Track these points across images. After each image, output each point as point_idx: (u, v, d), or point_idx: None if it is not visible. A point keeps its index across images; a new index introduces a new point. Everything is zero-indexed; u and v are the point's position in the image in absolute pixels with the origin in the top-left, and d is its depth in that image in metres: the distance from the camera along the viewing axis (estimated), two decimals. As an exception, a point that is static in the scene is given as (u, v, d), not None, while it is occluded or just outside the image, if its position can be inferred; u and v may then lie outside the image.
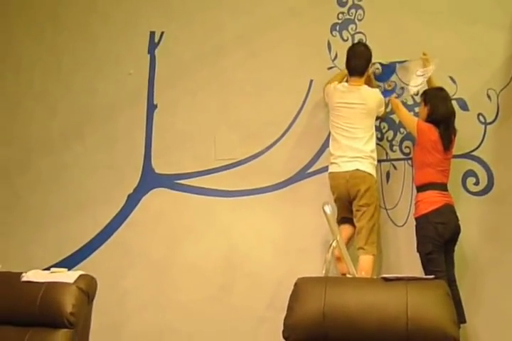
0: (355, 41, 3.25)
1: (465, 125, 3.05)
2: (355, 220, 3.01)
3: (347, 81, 3.11)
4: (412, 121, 2.97)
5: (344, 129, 3.00)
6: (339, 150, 3.00)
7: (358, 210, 2.98)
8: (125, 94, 3.78)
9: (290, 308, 1.98)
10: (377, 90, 3.07)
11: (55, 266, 3.37)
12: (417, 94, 3.06)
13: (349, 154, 2.96)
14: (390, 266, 3.13)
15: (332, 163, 3.04)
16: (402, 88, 3.10)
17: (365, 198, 2.95)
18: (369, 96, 3.00)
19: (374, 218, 2.99)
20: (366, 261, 2.95)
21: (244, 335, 3.31)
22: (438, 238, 2.79)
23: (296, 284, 2.03)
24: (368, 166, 2.96)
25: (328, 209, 2.89)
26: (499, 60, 3.03)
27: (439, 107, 2.88)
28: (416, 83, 3.00)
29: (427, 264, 2.81)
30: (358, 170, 2.94)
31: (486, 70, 3.06)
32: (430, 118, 2.90)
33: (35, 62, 3.97)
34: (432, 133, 2.85)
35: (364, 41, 3.24)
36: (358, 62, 3.03)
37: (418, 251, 2.85)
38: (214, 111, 3.57)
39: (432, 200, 2.83)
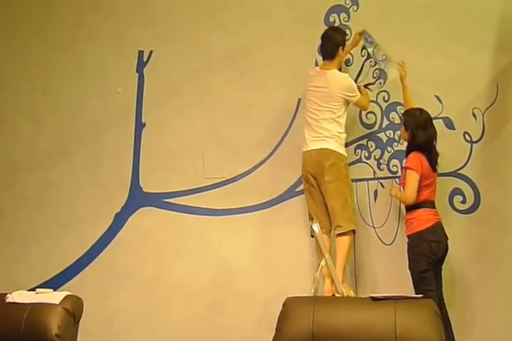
0: (342, 60, 3.30)
1: (451, 144, 3.08)
2: (326, 201, 3.01)
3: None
4: (415, 185, 2.88)
5: (312, 112, 3.10)
6: (309, 131, 3.10)
7: (326, 189, 3.00)
8: (113, 112, 3.78)
9: (279, 328, 1.96)
10: (345, 75, 3.12)
11: (41, 286, 3.33)
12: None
13: (316, 133, 3.06)
14: (378, 284, 3.13)
15: (304, 143, 3.12)
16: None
17: (330, 174, 3.00)
18: (333, 81, 3.06)
19: (344, 194, 3.02)
20: (343, 242, 2.96)
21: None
22: (432, 256, 2.80)
23: (284, 304, 2.01)
24: (334, 144, 3.04)
25: (316, 227, 2.89)
26: (484, 79, 3.08)
27: (419, 136, 2.92)
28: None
29: (419, 283, 2.80)
30: (322, 148, 3.03)
31: (472, 90, 3.10)
32: (412, 146, 2.94)
33: (22, 78, 3.98)
34: (424, 162, 2.88)
35: (351, 62, 3.28)
36: (326, 46, 3.13)
37: (410, 269, 2.85)
38: (202, 130, 3.58)
39: (426, 218, 2.85)
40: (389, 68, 3.18)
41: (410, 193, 2.85)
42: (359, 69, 3.30)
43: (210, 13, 3.63)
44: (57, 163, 3.82)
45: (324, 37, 3.17)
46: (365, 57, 3.28)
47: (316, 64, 3.35)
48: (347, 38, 3.23)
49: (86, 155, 3.79)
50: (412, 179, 2.85)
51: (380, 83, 3.24)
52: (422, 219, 2.85)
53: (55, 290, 2.48)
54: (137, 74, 3.74)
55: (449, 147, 3.09)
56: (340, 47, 3.13)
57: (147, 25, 3.75)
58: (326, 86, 3.07)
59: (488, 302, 2.95)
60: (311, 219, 3.06)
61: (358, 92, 3.10)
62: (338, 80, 3.08)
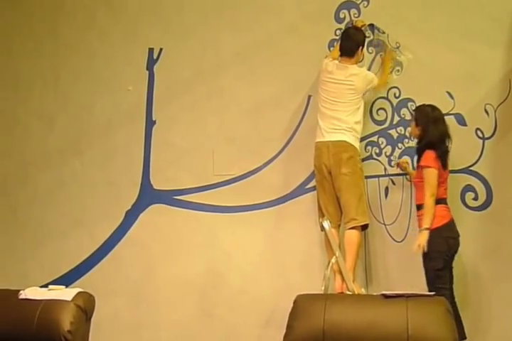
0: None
1: (463, 140, 3.06)
2: (340, 194, 3.00)
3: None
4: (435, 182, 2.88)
5: (329, 102, 3.10)
6: (325, 122, 3.09)
7: (341, 181, 2.98)
8: (123, 110, 3.79)
9: (290, 326, 1.96)
10: (364, 69, 3.16)
11: (53, 283, 3.34)
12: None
13: (333, 125, 3.06)
14: (389, 281, 3.11)
15: (318, 133, 3.11)
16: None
17: (347, 166, 2.99)
18: (356, 76, 3.08)
19: (360, 187, 3.02)
20: (353, 237, 2.94)
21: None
22: (448, 253, 2.79)
23: (295, 301, 2.02)
24: (351, 138, 3.05)
25: (326, 224, 2.88)
26: (497, 75, 3.05)
27: (430, 131, 2.89)
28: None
29: (435, 281, 2.76)
30: (340, 140, 3.04)
31: (484, 86, 3.08)
32: (424, 142, 2.91)
33: (34, 77, 3.99)
34: (437, 162, 2.85)
35: (361, 60, 3.27)
36: (347, 43, 3.15)
37: (426, 266, 2.81)
38: (212, 127, 3.58)
39: (442, 214, 2.84)
40: (403, 56, 3.19)
41: (434, 190, 2.81)
42: (369, 63, 3.29)
43: (220, 11, 3.62)
44: (68, 161, 3.84)
45: (345, 34, 3.19)
46: (374, 51, 3.26)
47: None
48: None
49: (97, 153, 3.80)
50: (433, 176, 2.82)
51: (398, 70, 3.22)
52: (439, 216, 2.82)
53: (66, 286, 2.49)
54: (147, 71, 3.74)
55: (460, 143, 3.05)
56: (360, 47, 3.16)
57: (157, 23, 3.75)
58: (351, 81, 3.07)
59: (503, 299, 2.92)
60: (321, 216, 3.05)
61: (376, 79, 3.16)
62: (360, 75, 3.11)
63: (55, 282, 3.48)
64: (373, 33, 3.26)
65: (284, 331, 1.97)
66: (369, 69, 3.26)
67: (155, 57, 3.74)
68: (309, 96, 3.37)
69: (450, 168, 2.95)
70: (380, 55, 3.27)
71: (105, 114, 3.82)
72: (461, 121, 3.10)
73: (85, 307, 2.32)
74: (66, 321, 2.23)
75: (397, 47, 3.21)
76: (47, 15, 4.01)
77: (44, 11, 4.01)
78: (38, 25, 4.02)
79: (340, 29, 3.35)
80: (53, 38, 3.97)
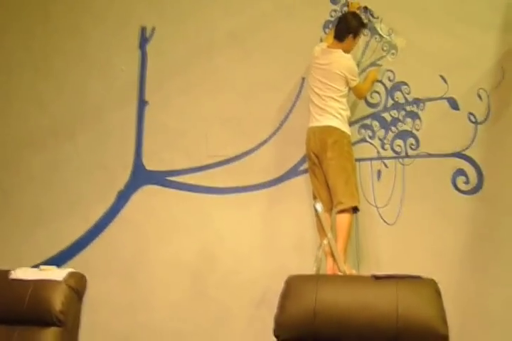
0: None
1: (455, 124, 3.07)
2: (328, 179, 3.01)
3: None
4: None
5: (316, 88, 3.10)
6: (313, 107, 3.11)
7: (328, 165, 3.00)
8: (116, 91, 3.75)
9: (281, 306, 1.98)
10: (349, 56, 3.12)
11: (44, 263, 3.34)
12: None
13: (320, 110, 3.07)
14: (380, 263, 3.14)
15: (309, 118, 3.13)
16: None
17: (333, 150, 2.99)
18: (336, 59, 3.07)
19: (347, 171, 3.01)
20: (343, 220, 2.94)
21: (234, 334, 3.30)
22: None
23: (286, 282, 2.03)
24: (337, 122, 3.04)
25: (319, 207, 2.90)
26: (490, 60, 3.04)
27: None
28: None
29: None
30: (325, 125, 3.04)
31: (477, 70, 3.07)
32: None
33: (25, 60, 3.93)
34: None
35: (352, 48, 3.24)
36: (339, 26, 3.14)
37: None
38: (206, 109, 3.55)
39: None
40: (397, 40, 3.18)
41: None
42: (363, 47, 3.27)
43: (214, -9, 3.58)
44: (62, 144, 3.80)
45: (341, 18, 3.17)
46: (369, 35, 3.24)
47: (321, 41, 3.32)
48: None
49: (90, 135, 3.76)
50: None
51: (393, 53, 3.21)
52: None
53: (58, 267, 2.49)
54: (139, 51, 3.70)
55: (453, 128, 3.07)
56: (351, 35, 3.11)
57: (151, 2, 3.70)
58: (329, 63, 3.07)
59: (494, 280, 2.94)
60: (314, 197, 3.07)
61: (357, 78, 3.10)
62: (341, 59, 3.08)
63: (47, 262, 3.49)
64: (366, 16, 3.23)
65: (275, 311, 1.99)
66: (363, 52, 3.24)
67: (147, 36, 3.69)
68: (303, 79, 3.35)
69: (442, 151, 2.97)
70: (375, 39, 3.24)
71: (98, 96, 3.78)
72: (454, 105, 3.10)
73: (77, 287, 2.32)
74: (57, 301, 2.23)
75: (389, 35, 3.19)
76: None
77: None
78: (28, 7, 3.95)
79: (335, 10, 3.32)
80: (44, 19, 3.91)
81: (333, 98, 3.05)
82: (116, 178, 3.66)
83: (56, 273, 2.36)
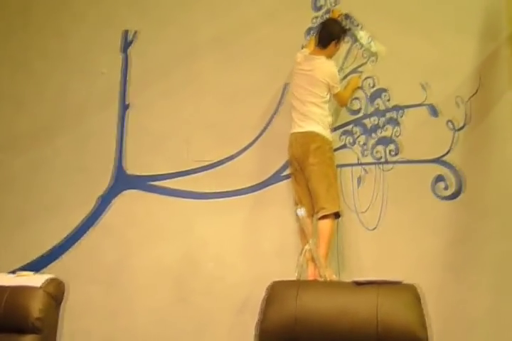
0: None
1: (435, 131, 3.11)
2: (309, 184, 3.02)
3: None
4: None
5: (299, 93, 3.12)
6: (295, 113, 3.12)
7: (310, 171, 3.01)
8: (97, 93, 3.72)
9: (263, 312, 1.98)
10: (332, 63, 3.15)
11: (22, 269, 3.28)
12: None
13: (302, 116, 3.08)
14: (361, 269, 3.16)
15: (291, 124, 3.14)
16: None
17: (315, 156, 3.01)
18: (319, 65, 3.10)
19: (328, 177, 3.03)
20: (325, 226, 2.96)
21: (216, 339, 3.28)
22: None
23: (268, 288, 2.03)
24: (319, 127, 3.07)
25: (301, 212, 2.90)
26: (468, 68, 3.10)
27: None
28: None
29: None
30: (307, 131, 3.06)
31: (456, 77, 3.12)
32: None
33: (3, 59, 3.87)
34: None
35: (334, 53, 3.28)
36: (322, 33, 3.16)
37: None
38: (188, 113, 3.54)
39: None
40: (377, 48, 3.22)
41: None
42: (345, 54, 3.30)
43: (197, -5, 3.58)
44: (41, 147, 3.75)
45: (323, 25, 3.19)
46: (350, 42, 3.28)
47: (303, 48, 3.33)
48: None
49: (70, 138, 3.72)
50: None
51: (373, 61, 3.24)
52: None
53: (36, 273, 2.45)
54: (122, 54, 3.68)
55: (432, 134, 3.12)
56: (334, 41, 3.14)
57: (133, 5, 3.68)
58: (312, 69, 3.09)
59: (472, 287, 2.98)
60: (296, 203, 3.08)
61: (339, 85, 3.14)
62: (323, 65, 3.11)
63: (24, 268, 3.42)
64: (347, 23, 3.27)
65: (257, 317, 1.99)
66: (344, 59, 3.28)
67: (130, 39, 3.67)
68: (286, 84, 3.37)
69: (422, 158, 3.01)
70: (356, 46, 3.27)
71: (78, 99, 3.74)
72: (433, 112, 3.15)
73: (55, 293, 2.29)
74: (35, 308, 2.19)
75: (369, 42, 3.23)
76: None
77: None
78: (8, 8, 3.89)
79: (317, 17, 3.35)
80: (24, 18, 3.86)
81: (315, 104, 3.08)
82: (96, 182, 3.62)
83: (34, 279, 2.33)
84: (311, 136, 3.05)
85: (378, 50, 3.23)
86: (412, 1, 3.20)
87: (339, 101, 3.21)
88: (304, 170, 3.05)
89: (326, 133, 3.09)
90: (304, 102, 3.08)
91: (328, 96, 3.11)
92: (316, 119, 3.06)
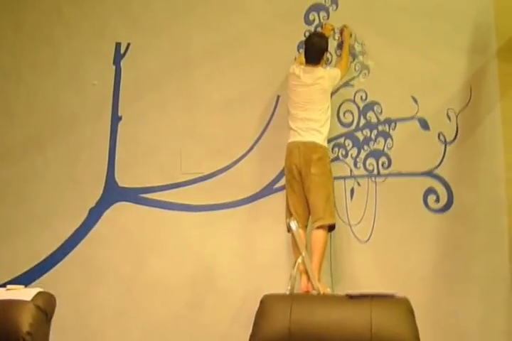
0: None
1: (426, 144, 3.14)
2: (308, 194, 3.04)
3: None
4: None
5: (301, 105, 3.13)
6: (297, 123, 3.12)
7: (311, 181, 3.02)
8: (89, 105, 3.72)
9: (256, 325, 1.97)
10: (328, 69, 3.21)
11: (12, 282, 3.25)
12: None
13: (306, 125, 3.10)
14: (354, 281, 3.16)
15: (290, 134, 3.14)
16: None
17: (317, 167, 3.03)
18: (323, 78, 3.13)
19: (328, 188, 3.05)
20: (320, 237, 2.97)
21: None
22: None
23: (262, 301, 2.03)
24: (321, 139, 3.10)
25: (293, 224, 2.90)
26: (459, 82, 3.14)
27: None
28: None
29: None
30: (310, 141, 3.08)
31: (446, 91, 3.16)
32: None
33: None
34: None
35: (329, 61, 3.32)
36: (312, 52, 3.19)
37: None
38: (181, 125, 3.55)
39: None
40: (368, 60, 3.26)
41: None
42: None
43: (190, 7, 3.60)
44: (30, 156, 3.74)
45: (309, 43, 3.21)
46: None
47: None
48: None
49: (62, 150, 3.71)
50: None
51: (365, 74, 3.28)
52: None
53: (26, 286, 2.42)
54: (114, 66, 3.68)
55: (423, 147, 3.14)
56: (325, 53, 3.22)
57: (125, 17, 3.70)
58: (319, 82, 3.11)
59: (461, 300, 2.99)
60: (289, 216, 3.07)
61: (339, 71, 3.20)
62: (328, 75, 3.16)
63: (14, 281, 3.39)
64: (342, 35, 3.31)
65: (251, 330, 1.98)
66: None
67: (122, 51, 3.68)
68: (278, 96, 3.39)
69: (414, 170, 3.02)
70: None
71: (70, 109, 3.74)
72: (424, 125, 3.18)
73: (45, 307, 2.26)
74: (25, 322, 2.15)
75: (363, 53, 3.28)
76: (9, 5, 3.89)
77: (6, 1, 3.90)
78: (-1, 17, 3.91)
79: (309, 31, 3.38)
80: (16, 29, 3.86)
81: (320, 110, 3.10)
82: (88, 195, 3.61)
83: (24, 293, 2.30)
84: (314, 147, 3.06)
85: (371, 63, 3.27)
86: (404, 16, 3.24)
87: (342, 67, 3.24)
88: (304, 179, 3.05)
89: (325, 144, 3.12)
90: (308, 111, 3.10)
91: (328, 104, 3.14)
92: (317, 129, 3.08)
